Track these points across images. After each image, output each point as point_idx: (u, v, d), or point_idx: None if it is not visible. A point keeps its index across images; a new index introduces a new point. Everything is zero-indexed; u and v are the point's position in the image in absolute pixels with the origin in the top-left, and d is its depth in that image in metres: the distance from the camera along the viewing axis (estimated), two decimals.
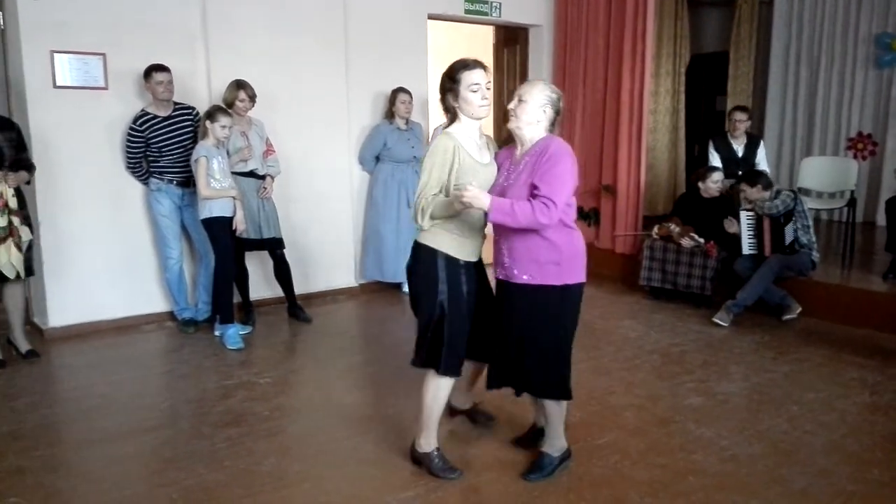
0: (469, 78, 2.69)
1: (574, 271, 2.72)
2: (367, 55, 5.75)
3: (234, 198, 4.49)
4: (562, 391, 2.80)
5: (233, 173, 4.60)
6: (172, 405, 3.70)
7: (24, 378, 3.99)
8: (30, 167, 4.16)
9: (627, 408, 3.56)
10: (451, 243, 2.75)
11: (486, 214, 2.64)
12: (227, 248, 4.52)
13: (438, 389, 2.84)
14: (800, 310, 5.00)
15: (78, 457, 3.12)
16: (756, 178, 5.14)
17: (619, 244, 6.34)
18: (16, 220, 3.99)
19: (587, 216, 6.62)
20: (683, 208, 5.62)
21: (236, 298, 4.79)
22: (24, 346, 4.27)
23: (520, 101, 2.69)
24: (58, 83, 4.53)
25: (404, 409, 3.52)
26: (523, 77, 7.13)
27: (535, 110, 2.67)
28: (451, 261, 2.75)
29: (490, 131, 6.83)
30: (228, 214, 4.48)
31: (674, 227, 5.46)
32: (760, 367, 4.12)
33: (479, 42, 7.43)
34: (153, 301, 4.99)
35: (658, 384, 3.89)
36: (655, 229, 5.63)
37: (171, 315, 5.00)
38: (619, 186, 6.30)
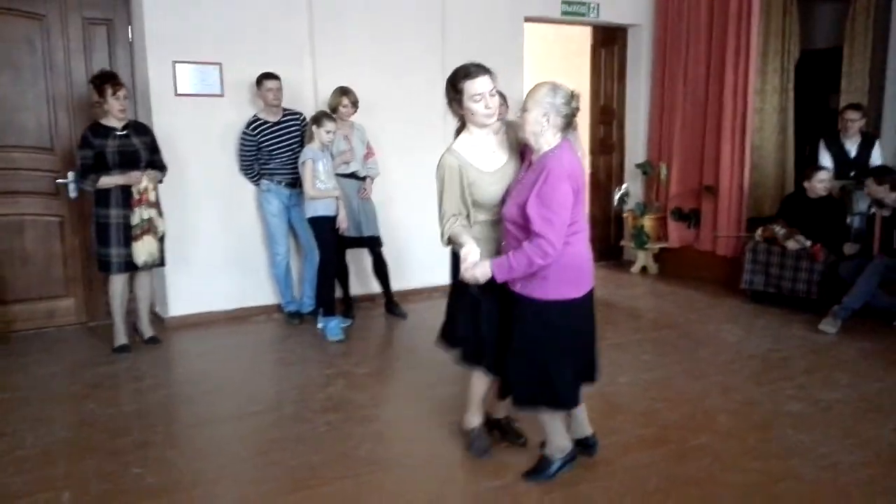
0: (471, 88, 2.63)
1: (563, 286, 2.59)
2: (464, 59, 5.84)
3: (336, 198, 4.72)
4: (546, 400, 2.71)
5: (336, 175, 4.83)
6: (279, 391, 3.94)
7: (148, 362, 4.35)
8: (163, 168, 4.53)
9: (722, 411, 3.49)
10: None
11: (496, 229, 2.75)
12: (330, 245, 4.76)
13: (476, 376, 2.99)
14: None
15: (194, 435, 3.39)
16: (885, 174, 4.89)
17: (720, 246, 6.18)
18: (154, 213, 4.35)
19: (687, 217, 6.49)
20: (790, 210, 5.42)
21: (338, 293, 5.02)
22: (147, 332, 4.65)
23: (522, 111, 2.59)
24: (179, 91, 4.90)
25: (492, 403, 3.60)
26: (621, 78, 7.07)
27: (536, 120, 2.55)
28: None
29: (586, 135, 6.82)
30: (332, 213, 4.71)
31: (779, 229, 5.28)
32: (868, 376, 3.94)
33: (575, 43, 7.41)
34: (262, 294, 5.31)
35: (756, 389, 3.79)
36: (759, 231, 5.46)
37: (278, 307, 5.30)
38: (720, 187, 6.14)
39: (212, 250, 5.11)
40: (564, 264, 2.57)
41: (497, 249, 2.74)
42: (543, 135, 2.56)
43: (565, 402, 2.74)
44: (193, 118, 4.95)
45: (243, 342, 4.78)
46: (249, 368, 4.30)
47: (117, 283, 4.41)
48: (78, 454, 3.12)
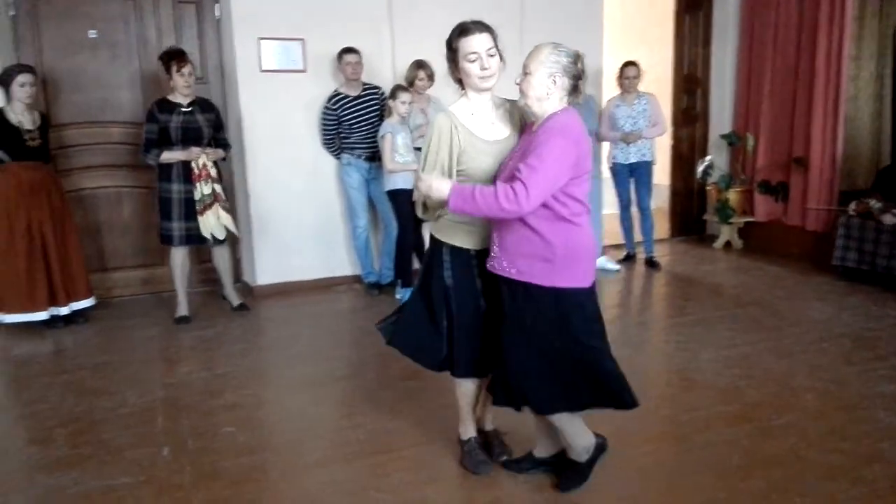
0: (466, 46, 2.36)
1: (569, 273, 2.29)
2: (541, 29, 5.76)
3: (415, 171, 4.77)
4: (565, 404, 2.42)
5: (414, 148, 4.88)
6: (360, 358, 4.07)
7: (238, 328, 4.56)
8: (226, 146, 4.66)
9: (809, 390, 3.40)
10: (457, 232, 2.48)
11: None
12: (408, 218, 4.83)
13: (458, 385, 2.73)
14: None
15: (282, 397, 3.55)
16: None
17: (809, 220, 5.93)
18: (217, 187, 4.47)
19: (774, 190, 6.25)
20: (886, 183, 5.15)
21: (415, 265, 5.10)
22: (235, 300, 4.86)
23: (525, 74, 2.32)
24: (263, 67, 5.04)
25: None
26: (706, 45, 6.83)
27: (542, 83, 2.27)
28: (456, 251, 2.50)
29: (668, 105, 6.64)
30: (410, 187, 4.77)
31: (874, 203, 5.03)
32: None
33: (657, 9, 7.20)
34: (343, 265, 5.46)
35: (845, 369, 3.66)
36: (853, 205, 5.21)
37: (358, 278, 5.44)
38: (811, 158, 5.88)
39: (296, 222, 5.27)
40: (573, 251, 2.28)
41: (485, 236, 2.45)
42: (549, 99, 2.29)
43: (573, 403, 2.43)
44: (277, 94, 5.09)
45: (326, 311, 4.94)
46: (332, 336, 4.46)
47: (177, 255, 4.58)
48: (175, 413, 3.33)
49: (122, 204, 5.10)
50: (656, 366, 3.92)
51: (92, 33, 4.86)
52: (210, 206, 4.45)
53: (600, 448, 2.58)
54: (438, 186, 2.25)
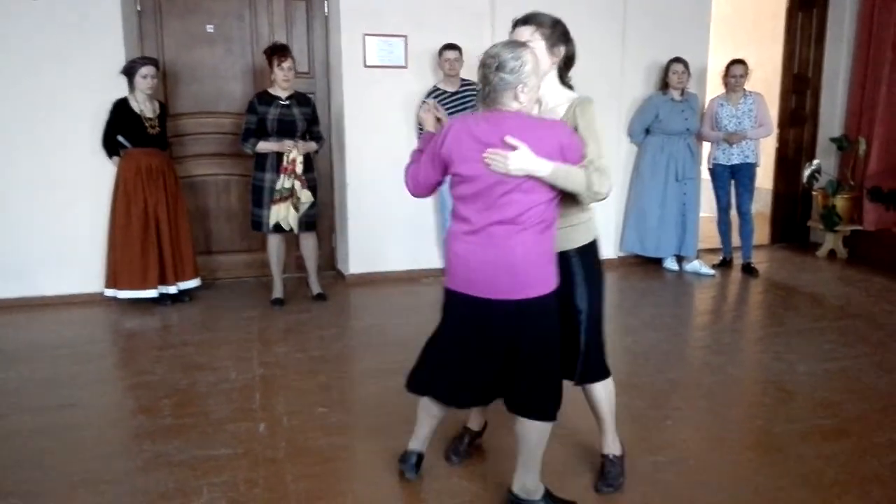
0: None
1: (445, 272, 2.44)
2: (645, 25, 5.70)
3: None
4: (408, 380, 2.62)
5: None
6: None
7: (332, 313, 4.74)
8: (319, 139, 4.81)
9: None
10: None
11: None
12: None
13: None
14: None
15: (370, 382, 3.67)
16: None
17: None
18: (297, 185, 4.60)
19: (886, 198, 5.89)
20: None
21: None
22: (315, 289, 4.99)
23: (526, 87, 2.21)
24: (368, 63, 5.19)
25: (657, 380, 3.60)
26: (819, 44, 6.52)
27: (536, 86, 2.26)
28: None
29: (775, 106, 6.38)
30: None
31: None
32: None
33: (767, 7, 6.92)
34: (431, 258, 5.56)
35: None
36: None
37: (442, 271, 5.50)
38: None
39: (390, 214, 5.40)
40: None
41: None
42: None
43: (408, 382, 2.67)
44: (379, 88, 5.23)
45: (412, 302, 5.05)
46: (419, 326, 4.46)
47: (272, 241, 4.77)
48: (272, 391, 3.50)
49: (230, 191, 5.38)
50: (751, 375, 3.81)
51: (209, 28, 5.14)
52: (285, 199, 4.60)
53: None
54: (536, 160, 2.13)
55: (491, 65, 2.15)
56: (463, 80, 5.15)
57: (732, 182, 5.66)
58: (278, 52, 4.57)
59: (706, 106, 5.77)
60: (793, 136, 6.67)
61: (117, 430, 3.15)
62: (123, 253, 4.66)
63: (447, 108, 5.08)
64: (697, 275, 5.64)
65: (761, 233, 6.53)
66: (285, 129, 4.60)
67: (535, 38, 2.34)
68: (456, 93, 5.11)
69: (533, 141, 2.13)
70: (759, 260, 5.93)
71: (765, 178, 6.51)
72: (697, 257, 5.76)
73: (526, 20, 2.41)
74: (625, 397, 3.43)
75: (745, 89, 5.54)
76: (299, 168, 4.59)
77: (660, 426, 3.13)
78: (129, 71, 4.59)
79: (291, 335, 4.33)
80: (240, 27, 5.21)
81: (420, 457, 2.69)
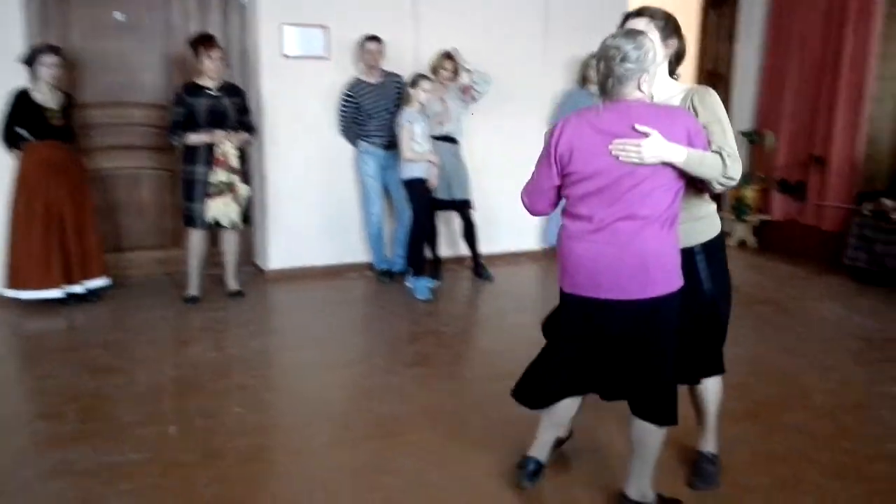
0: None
1: (561, 274, 2.28)
2: (566, 21, 5.78)
3: (431, 162, 4.78)
4: (517, 393, 2.50)
5: (431, 136, 4.89)
6: (369, 344, 4.11)
7: (248, 311, 4.61)
8: (251, 130, 4.70)
9: (817, 390, 3.38)
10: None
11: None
12: (422, 207, 4.85)
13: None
14: None
15: (290, 380, 3.60)
16: None
17: (825, 220, 5.87)
18: (235, 178, 4.50)
19: (793, 189, 6.19)
20: None
21: (427, 254, 5.12)
22: (232, 286, 4.84)
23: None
24: (286, 53, 5.06)
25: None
26: (731, 41, 6.75)
27: None
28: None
29: None
30: (427, 176, 4.79)
31: (889, 202, 4.98)
32: None
33: (682, 4, 7.11)
34: (356, 252, 5.48)
35: (854, 369, 3.64)
36: (868, 205, 5.16)
37: (370, 266, 5.47)
38: (831, 158, 5.81)
39: (311, 208, 5.30)
40: (560, 253, 2.27)
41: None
42: None
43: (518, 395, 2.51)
44: (299, 80, 5.11)
45: (337, 297, 4.97)
46: (342, 322, 4.49)
47: (195, 237, 4.63)
48: (184, 392, 3.37)
49: (141, 185, 5.16)
50: None
51: (118, 16, 4.90)
52: (223, 194, 4.48)
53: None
54: (671, 146, 2.05)
55: (615, 56, 2.06)
56: (386, 71, 5.09)
57: None
58: (206, 41, 4.46)
59: None
60: None
61: (17, 438, 2.96)
62: (25, 251, 4.40)
63: (368, 100, 5.02)
64: None
65: None
66: (217, 121, 4.47)
67: (649, 30, 2.27)
68: (378, 84, 5.04)
69: (663, 128, 2.04)
70: None
71: None
72: None
73: (639, 12, 2.34)
74: None
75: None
76: (234, 161, 4.48)
77: (587, 417, 3.16)
78: (30, 59, 4.33)
79: (206, 334, 4.19)
80: (151, 16, 5.00)
81: (540, 465, 2.51)
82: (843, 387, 3.42)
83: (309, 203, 5.29)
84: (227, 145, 4.44)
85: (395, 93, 5.05)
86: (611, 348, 2.23)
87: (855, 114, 5.67)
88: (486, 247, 5.46)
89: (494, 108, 5.53)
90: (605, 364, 2.27)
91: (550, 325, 2.52)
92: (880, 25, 5.60)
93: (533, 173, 2.30)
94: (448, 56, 5.00)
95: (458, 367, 3.74)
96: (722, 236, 2.42)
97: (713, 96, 2.27)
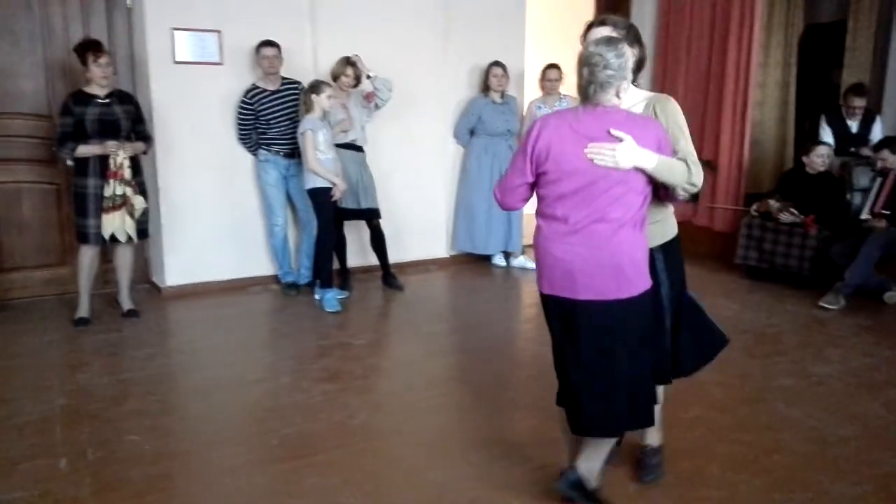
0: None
1: (538, 275, 2.35)
2: (465, 29, 5.82)
3: (335, 183, 4.67)
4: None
5: (334, 144, 4.80)
6: (275, 361, 3.97)
7: (144, 331, 4.37)
8: (146, 139, 4.48)
9: (716, 385, 3.51)
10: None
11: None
12: (328, 216, 4.75)
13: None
14: None
15: (191, 403, 3.42)
16: (894, 144, 4.92)
17: (717, 221, 6.18)
18: (129, 191, 4.28)
19: None
20: (787, 185, 5.42)
21: (335, 265, 5.02)
22: (126, 304, 4.59)
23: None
24: (177, 59, 4.85)
25: (485, 375, 3.66)
26: None
27: None
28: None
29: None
30: (331, 185, 4.70)
31: (773, 203, 5.29)
32: (860, 351, 3.97)
33: (579, 12, 7.32)
34: (259, 265, 5.31)
35: (749, 363, 3.82)
36: (755, 205, 5.47)
37: (275, 278, 5.31)
38: (720, 162, 6.11)
39: (209, 220, 5.10)
40: (536, 248, 2.33)
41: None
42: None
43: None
44: (191, 86, 4.92)
45: (240, 313, 4.79)
46: (246, 338, 4.32)
47: (86, 255, 4.37)
48: (75, 421, 3.14)
49: (21, 200, 4.80)
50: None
51: None
52: (118, 207, 4.26)
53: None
54: (644, 152, 2.14)
55: (598, 63, 2.12)
56: (284, 78, 4.96)
57: None
58: (92, 47, 4.21)
59: (525, 108, 6.00)
60: None
61: None
62: None
63: (267, 107, 4.88)
64: (523, 269, 5.85)
65: None
66: (108, 131, 4.23)
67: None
68: (276, 91, 4.91)
69: (636, 134, 2.12)
70: None
71: None
72: (523, 253, 5.97)
73: (602, 21, 2.43)
74: (456, 394, 3.48)
75: (560, 92, 5.82)
76: (127, 172, 4.26)
77: (488, 420, 3.17)
78: None
79: (98, 358, 3.93)
80: (28, 19, 4.67)
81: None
82: (740, 380, 3.58)
83: (207, 215, 5.09)
84: (120, 156, 4.22)
85: (295, 100, 4.93)
86: (588, 347, 2.26)
87: (740, 120, 5.99)
88: (395, 255, 5.42)
89: (398, 116, 5.51)
90: (586, 362, 2.29)
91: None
92: (760, 36, 5.95)
93: (507, 169, 2.37)
94: (349, 62, 4.93)
95: (370, 380, 3.67)
96: (678, 238, 2.52)
97: (674, 105, 2.38)
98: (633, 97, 2.36)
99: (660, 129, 2.25)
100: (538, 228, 2.29)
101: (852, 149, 5.48)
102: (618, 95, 2.17)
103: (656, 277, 2.37)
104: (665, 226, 2.45)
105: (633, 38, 2.39)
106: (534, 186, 2.30)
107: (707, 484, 2.63)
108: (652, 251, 2.35)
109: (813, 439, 2.95)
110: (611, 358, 2.25)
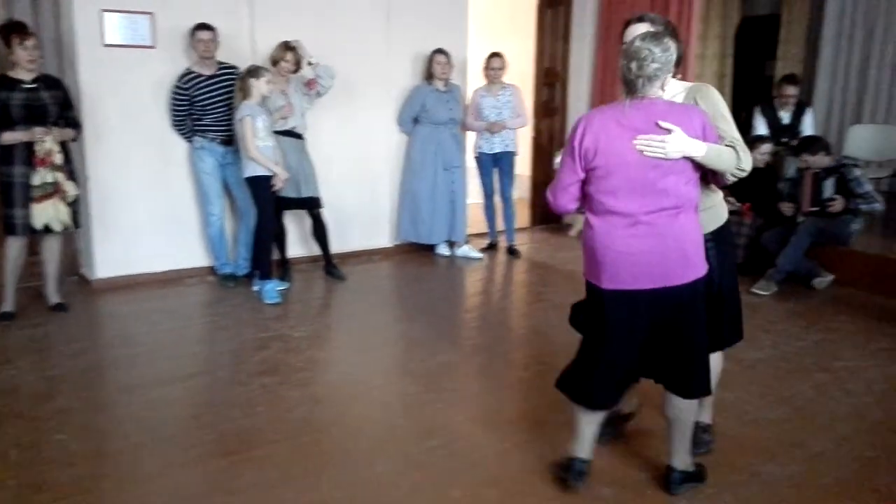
0: None
1: (587, 269, 2.42)
2: (408, 16, 5.75)
3: (276, 173, 4.57)
4: (570, 393, 2.50)
5: (273, 132, 4.69)
6: (211, 354, 3.87)
7: (73, 326, 4.19)
8: (76, 125, 4.30)
9: None
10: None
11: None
12: (268, 205, 4.64)
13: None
14: (832, 277, 4.94)
15: (122, 400, 3.29)
16: (814, 144, 5.06)
17: None
18: (61, 177, 4.11)
19: None
20: None
21: (275, 255, 4.92)
22: (53, 298, 4.40)
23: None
24: (107, 41, 4.65)
25: (430, 365, 3.64)
26: (566, 38, 7.04)
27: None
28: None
29: (530, 96, 6.80)
30: (270, 173, 4.59)
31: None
32: (791, 335, 4.10)
33: (521, 2, 7.34)
34: (195, 256, 5.16)
35: None
36: None
37: (211, 270, 5.16)
38: None
39: (142, 210, 4.92)
40: (587, 248, 2.39)
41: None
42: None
43: (574, 395, 2.48)
44: (122, 71, 4.72)
45: (175, 305, 4.64)
46: (181, 332, 4.19)
47: (13, 246, 4.17)
48: None
49: None
50: (516, 351, 4.01)
51: None
52: (49, 196, 4.07)
53: (567, 468, 2.55)
54: (693, 141, 2.19)
55: (647, 57, 2.18)
56: (220, 63, 4.81)
57: (496, 170, 5.93)
58: (17, 29, 4.00)
59: (469, 97, 5.98)
60: (546, 125, 7.17)
61: None
62: None
63: (203, 93, 4.73)
64: (467, 259, 5.85)
65: (522, 217, 6.94)
66: (35, 116, 4.03)
67: None
68: (212, 76, 4.76)
69: (682, 124, 2.17)
70: (521, 242, 6.30)
71: (524, 166, 6.92)
72: (467, 242, 5.96)
73: (640, 18, 2.51)
74: (399, 384, 3.46)
75: (503, 81, 5.82)
76: (57, 158, 4.08)
77: (432, 410, 3.16)
78: None
79: (23, 354, 3.76)
80: None
81: (585, 463, 2.52)
82: None
83: (140, 205, 4.91)
84: (48, 142, 4.03)
85: (232, 85, 4.77)
86: (655, 335, 2.33)
87: None
88: (337, 245, 5.34)
89: (340, 103, 5.41)
90: (650, 352, 2.37)
91: (581, 319, 2.59)
92: (698, 27, 6.07)
93: (557, 171, 2.41)
94: (289, 47, 4.82)
95: (310, 372, 3.60)
96: (728, 224, 2.58)
97: (715, 93, 2.45)
98: (673, 88, 2.43)
99: (703, 116, 2.29)
100: (591, 227, 2.33)
101: (784, 139, 5.64)
102: (662, 88, 2.24)
103: (709, 262, 2.40)
104: (716, 212, 2.52)
105: (671, 33, 2.44)
106: (584, 184, 2.33)
107: (641, 467, 2.67)
108: (704, 238, 2.40)
109: (746, 422, 3.03)
110: (673, 340, 2.33)
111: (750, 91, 8.13)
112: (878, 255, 5.03)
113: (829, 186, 4.95)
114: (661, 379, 2.44)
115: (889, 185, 5.84)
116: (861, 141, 6.16)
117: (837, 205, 4.89)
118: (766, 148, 5.31)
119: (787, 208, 5.11)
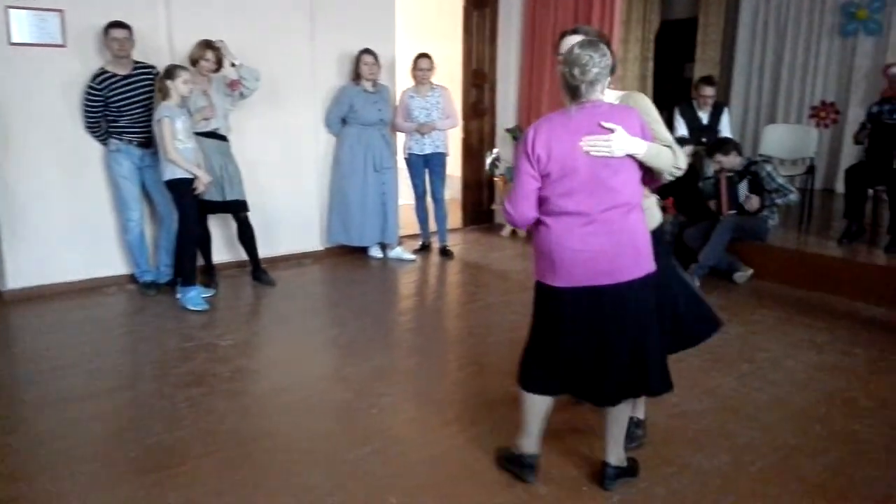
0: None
1: (539, 270, 2.45)
2: (333, 15, 5.67)
3: (198, 175, 4.43)
4: (521, 380, 2.58)
5: (195, 133, 4.54)
6: (133, 367, 3.70)
7: None
8: None
9: None
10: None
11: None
12: (190, 210, 4.49)
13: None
14: (751, 272, 5.14)
15: (37, 418, 3.10)
16: (726, 145, 5.24)
17: None
18: None
19: None
20: None
21: (199, 261, 4.76)
22: None
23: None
24: (13, 40, 4.41)
25: (363, 370, 3.58)
26: (493, 41, 7.09)
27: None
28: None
29: (458, 97, 6.81)
30: (192, 176, 4.43)
31: None
32: None
33: (448, 4, 7.34)
34: (114, 263, 4.94)
35: None
36: None
37: (131, 278, 4.95)
38: None
39: (54, 217, 4.68)
40: (538, 250, 2.43)
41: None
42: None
43: (525, 383, 2.55)
44: (30, 71, 4.48)
45: (93, 316, 4.42)
46: (100, 344, 4.00)
47: None
48: None
49: None
50: (450, 351, 3.99)
51: None
52: None
53: (521, 464, 2.62)
54: (635, 140, 2.29)
55: (588, 62, 2.26)
56: (137, 62, 4.62)
57: (426, 171, 5.91)
58: None
59: (398, 98, 5.93)
60: (475, 127, 7.19)
61: None
62: None
63: (118, 93, 4.54)
64: (400, 260, 5.81)
65: (454, 217, 6.95)
66: None
67: None
68: (128, 76, 4.55)
69: (624, 123, 2.27)
70: (453, 242, 6.30)
71: (455, 167, 6.93)
72: (399, 244, 5.92)
73: (575, 30, 2.61)
74: (332, 391, 3.40)
75: (431, 82, 5.80)
76: None
77: (366, 416, 3.10)
78: None
79: None
80: None
81: (536, 458, 2.60)
82: None
83: (53, 211, 4.66)
84: None
85: (149, 85, 4.60)
86: (609, 332, 2.37)
87: None
88: (265, 250, 5.21)
89: (265, 104, 5.29)
90: (604, 353, 2.38)
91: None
92: (619, 31, 6.21)
93: (514, 181, 2.43)
94: (209, 45, 4.66)
95: (238, 382, 3.48)
96: (662, 225, 2.70)
97: (646, 99, 2.59)
98: (607, 97, 2.51)
99: (641, 118, 2.39)
100: (545, 228, 2.37)
101: (703, 140, 5.83)
102: (602, 91, 2.35)
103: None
104: (651, 213, 2.59)
105: (606, 43, 2.50)
106: (539, 190, 2.38)
107: (576, 464, 2.69)
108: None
109: (673, 415, 3.10)
110: (638, 332, 2.38)
111: (670, 92, 8.40)
112: (795, 250, 5.27)
113: (743, 188, 5.17)
114: (618, 391, 2.44)
115: (802, 181, 6.11)
116: (776, 140, 6.43)
117: (754, 202, 5.10)
118: (688, 150, 5.48)
119: (713, 206, 5.30)
